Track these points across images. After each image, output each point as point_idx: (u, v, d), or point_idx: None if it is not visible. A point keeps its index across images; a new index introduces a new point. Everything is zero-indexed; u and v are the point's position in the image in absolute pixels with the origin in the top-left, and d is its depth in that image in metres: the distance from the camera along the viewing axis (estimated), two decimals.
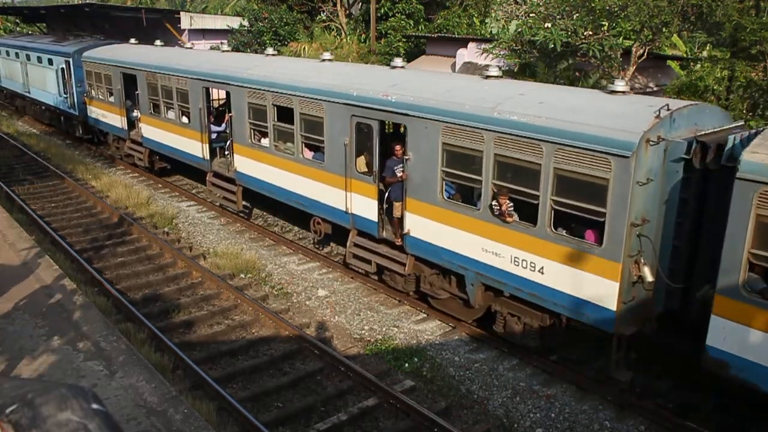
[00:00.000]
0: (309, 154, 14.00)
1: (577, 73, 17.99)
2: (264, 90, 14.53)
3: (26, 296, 10.98)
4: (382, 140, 12.19)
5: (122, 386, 8.40)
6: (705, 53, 23.87)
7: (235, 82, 15.48)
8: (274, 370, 10.67)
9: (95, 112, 23.82)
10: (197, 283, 13.77)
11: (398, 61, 13.51)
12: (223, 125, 17.56)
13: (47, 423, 2.95)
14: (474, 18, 29.39)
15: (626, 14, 15.79)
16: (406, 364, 10.84)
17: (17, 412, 3.01)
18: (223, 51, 19.81)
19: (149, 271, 14.46)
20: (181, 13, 36.88)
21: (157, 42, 23.11)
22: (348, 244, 13.25)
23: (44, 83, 28.34)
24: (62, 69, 25.79)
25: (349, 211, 12.91)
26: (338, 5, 31.11)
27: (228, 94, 16.23)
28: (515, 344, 10.88)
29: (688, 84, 19.21)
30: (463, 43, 23.12)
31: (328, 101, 12.79)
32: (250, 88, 14.95)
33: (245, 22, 31.40)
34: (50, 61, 27.07)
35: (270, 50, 17.74)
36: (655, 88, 21.20)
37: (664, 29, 16.85)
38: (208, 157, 17.42)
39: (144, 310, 12.24)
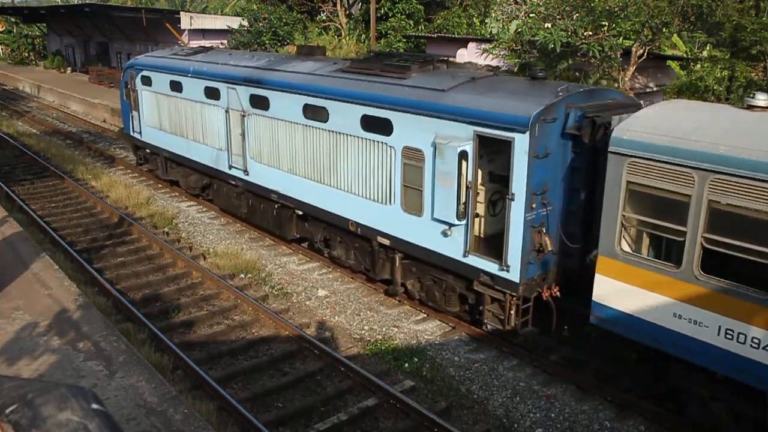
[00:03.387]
0: None
1: (577, 73, 18.01)
2: None
3: (26, 296, 10.98)
4: None
5: (122, 386, 8.40)
6: (705, 53, 23.89)
7: None
8: (274, 370, 10.66)
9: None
10: (197, 283, 13.77)
11: None
12: None
13: (47, 423, 2.95)
14: (474, 18, 29.45)
15: (626, 14, 15.81)
16: (406, 364, 10.83)
17: (17, 412, 3.01)
18: None
19: (149, 271, 14.46)
20: (181, 13, 36.93)
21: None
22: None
23: (312, 165, 13.50)
24: (461, 155, 10.26)
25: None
26: (338, 5, 31.11)
27: None
28: (522, 348, 10.80)
29: (688, 84, 19.26)
30: (463, 43, 23.15)
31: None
32: None
33: (245, 23, 31.41)
34: (376, 125, 11.78)
35: None
36: (655, 88, 21.22)
37: (664, 29, 16.88)
38: None
39: (144, 310, 12.24)
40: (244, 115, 15.01)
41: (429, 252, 11.30)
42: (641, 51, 17.46)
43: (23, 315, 10.29)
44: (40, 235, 15.72)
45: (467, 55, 22.54)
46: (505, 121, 9.74)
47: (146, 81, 19.27)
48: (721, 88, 18.58)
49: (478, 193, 10.66)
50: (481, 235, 11.12)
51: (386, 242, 12.14)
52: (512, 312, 10.41)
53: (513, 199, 9.81)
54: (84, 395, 3.19)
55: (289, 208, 14.59)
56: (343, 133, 12.51)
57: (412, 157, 11.16)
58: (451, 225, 10.69)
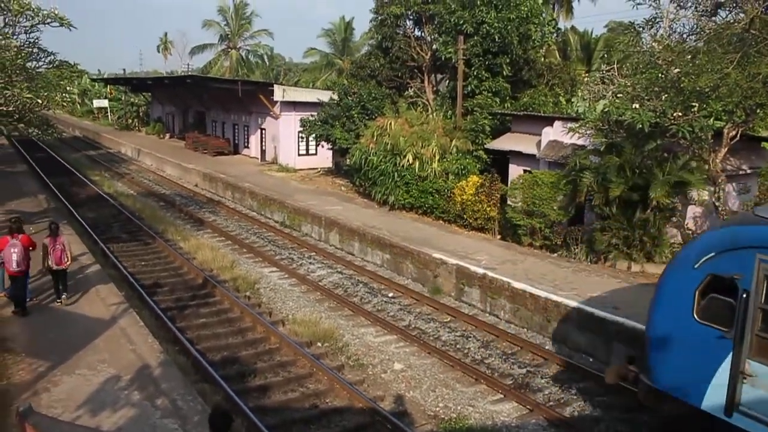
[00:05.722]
0: None
1: (665, 154, 17.61)
2: None
3: (112, 350, 11.36)
4: None
5: None
6: None
7: None
8: None
9: None
10: (275, 349, 13.88)
11: None
12: None
13: None
14: (560, 97, 29.46)
15: (717, 95, 15.43)
16: None
17: None
18: None
19: (229, 333, 14.69)
20: (275, 85, 38.57)
21: None
22: None
23: None
24: None
25: None
26: (425, 82, 31.82)
27: None
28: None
29: None
30: (549, 121, 23.14)
31: None
32: None
33: (335, 96, 32.49)
34: None
35: None
36: (749, 171, 20.47)
37: (758, 110, 16.39)
38: None
39: (221, 372, 12.40)
40: None
41: None
42: (734, 132, 16.97)
43: (108, 368, 10.64)
44: (129, 291, 16.33)
45: (553, 133, 22.51)
46: None
47: None
48: None
49: None
50: None
51: None
52: None
53: None
54: None
55: None
56: None
57: None
58: None
